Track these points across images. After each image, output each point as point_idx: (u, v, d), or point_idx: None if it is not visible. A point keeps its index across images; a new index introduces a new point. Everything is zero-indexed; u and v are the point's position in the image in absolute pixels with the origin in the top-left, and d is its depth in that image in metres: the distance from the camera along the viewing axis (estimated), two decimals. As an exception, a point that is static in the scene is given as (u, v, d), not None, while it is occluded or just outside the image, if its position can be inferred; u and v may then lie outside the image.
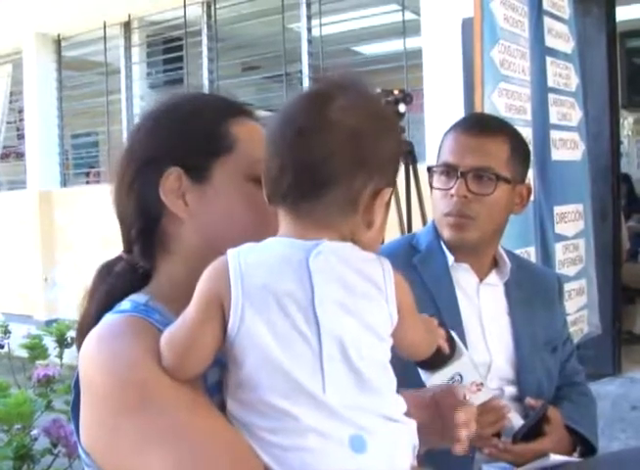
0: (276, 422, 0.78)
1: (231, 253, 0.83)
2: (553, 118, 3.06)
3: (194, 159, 0.97)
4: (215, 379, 0.88)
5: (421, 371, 1.19)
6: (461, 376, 1.18)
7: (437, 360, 1.13)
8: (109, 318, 0.91)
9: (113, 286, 0.98)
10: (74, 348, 0.99)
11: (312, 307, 0.79)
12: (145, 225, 0.97)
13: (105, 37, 6.55)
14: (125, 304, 0.94)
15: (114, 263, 1.02)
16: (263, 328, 0.79)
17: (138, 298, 0.95)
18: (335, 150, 0.82)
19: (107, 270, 1.01)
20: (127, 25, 6.56)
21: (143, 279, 0.99)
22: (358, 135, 0.83)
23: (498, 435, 1.38)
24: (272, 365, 0.79)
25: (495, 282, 1.65)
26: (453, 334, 1.18)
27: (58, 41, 6.99)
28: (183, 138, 0.97)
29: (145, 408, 0.80)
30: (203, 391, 0.86)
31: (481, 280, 1.63)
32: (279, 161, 0.84)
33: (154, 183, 0.96)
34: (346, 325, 0.80)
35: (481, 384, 1.22)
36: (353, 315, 0.81)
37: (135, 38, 6.62)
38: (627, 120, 7.24)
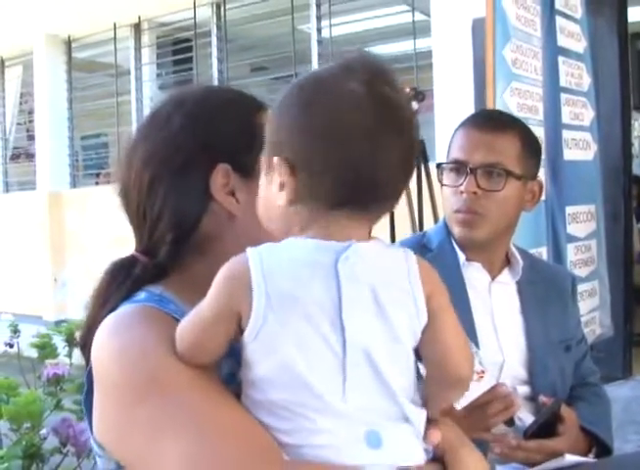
0: (289, 423, 0.76)
1: (252, 253, 0.78)
2: (565, 118, 3.05)
3: (239, 154, 0.94)
4: (229, 369, 0.86)
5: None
6: None
7: None
8: (122, 308, 0.90)
9: (130, 291, 0.94)
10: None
11: (339, 315, 0.76)
12: (182, 228, 0.93)
13: (115, 38, 6.58)
14: (140, 294, 0.93)
15: (128, 265, 0.97)
16: (286, 336, 0.76)
17: (153, 288, 0.94)
18: (399, 164, 0.80)
19: (120, 272, 0.96)
20: (137, 27, 6.59)
21: (159, 274, 0.96)
22: (413, 138, 0.81)
23: (510, 422, 1.34)
24: (291, 373, 0.76)
25: (507, 280, 1.63)
26: None
27: (68, 42, 7.02)
28: (224, 133, 0.95)
29: (158, 397, 0.79)
30: (218, 378, 0.83)
31: (493, 278, 1.61)
32: (336, 168, 0.77)
33: (196, 182, 0.92)
34: (374, 333, 0.77)
35: (483, 372, 1.20)
36: (382, 323, 0.77)
37: (145, 39, 6.64)
38: (639, 122, 7.19)
